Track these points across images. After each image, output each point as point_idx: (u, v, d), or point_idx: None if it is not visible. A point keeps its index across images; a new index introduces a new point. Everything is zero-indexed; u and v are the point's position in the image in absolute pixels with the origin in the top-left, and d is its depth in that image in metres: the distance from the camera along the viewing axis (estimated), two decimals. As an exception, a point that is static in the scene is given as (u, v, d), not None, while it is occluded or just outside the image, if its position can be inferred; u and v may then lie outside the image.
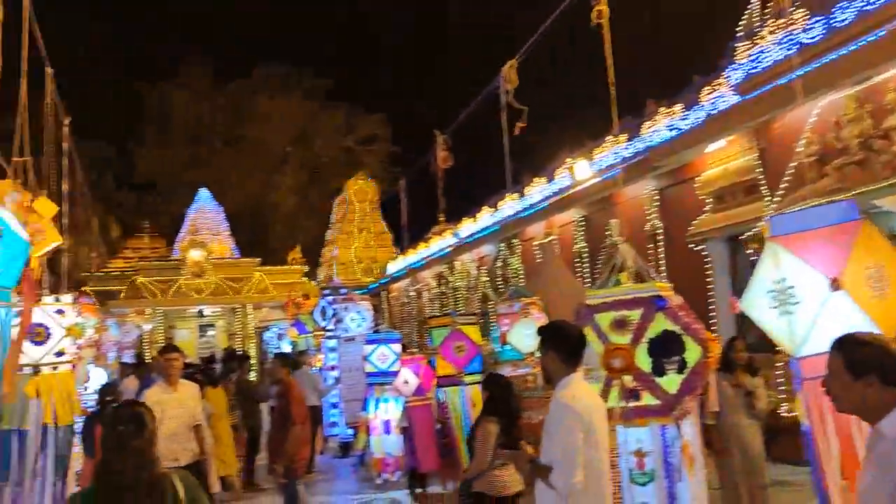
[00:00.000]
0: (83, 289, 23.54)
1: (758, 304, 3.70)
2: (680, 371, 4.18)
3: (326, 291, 15.87)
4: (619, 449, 4.36)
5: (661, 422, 4.18)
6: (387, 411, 10.21)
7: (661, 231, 14.20)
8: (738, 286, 12.79)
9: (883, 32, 8.63)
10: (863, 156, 9.31)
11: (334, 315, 14.07)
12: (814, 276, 3.47)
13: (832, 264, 3.46)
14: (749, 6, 11.37)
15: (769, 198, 11.12)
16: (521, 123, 6.73)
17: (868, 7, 8.83)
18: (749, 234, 11.19)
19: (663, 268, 13.62)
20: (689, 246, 12.75)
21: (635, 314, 4.28)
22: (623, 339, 4.25)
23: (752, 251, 11.29)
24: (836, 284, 3.44)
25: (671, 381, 4.19)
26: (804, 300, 3.51)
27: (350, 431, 13.03)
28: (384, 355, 10.30)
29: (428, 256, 28.61)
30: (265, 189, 49.47)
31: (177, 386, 7.30)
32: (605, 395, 4.29)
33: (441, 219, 28.63)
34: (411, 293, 31.30)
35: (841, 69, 9.31)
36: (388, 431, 10.23)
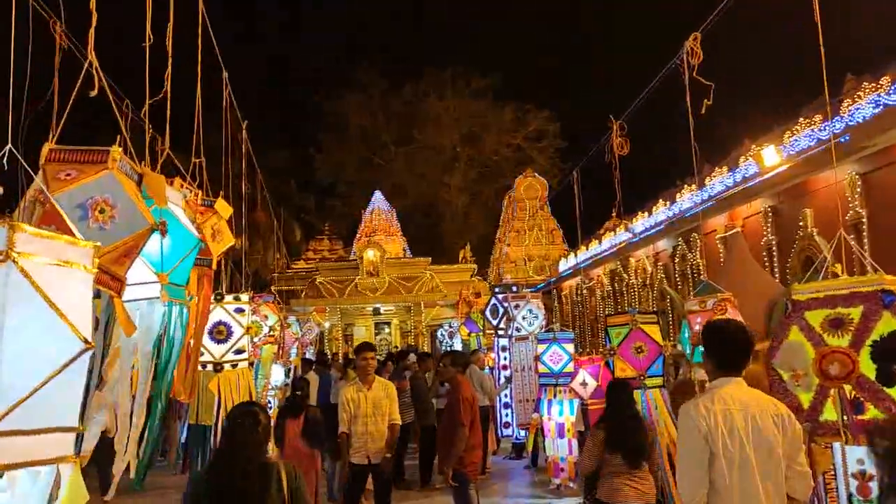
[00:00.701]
0: (271, 288, 24.86)
1: None
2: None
3: (497, 289, 15.65)
4: (834, 470, 3.74)
5: (890, 440, 3.51)
6: (561, 413, 9.80)
7: (865, 220, 12.77)
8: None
9: None
10: None
11: (506, 313, 13.81)
12: None
13: None
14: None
15: None
16: (707, 102, 6.11)
17: None
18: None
19: (868, 262, 12.24)
20: (900, 236, 11.36)
21: (855, 312, 3.63)
22: (841, 340, 3.61)
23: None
24: None
25: (904, 392, 3.51)
26: None
27: (523, 433, 12.71)
28: (557, 355, 9.89)
29: (600, 253, 27.82)
30: (436, 189, 50.35)
31: (371, 385, 7.34)
32: (818, 406, 3.69)
33: (613, 214, 27.74)
34: (583, 291, 30.58)
35: None
36: (561, 435, 9.82)
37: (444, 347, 23.48)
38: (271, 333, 8.40)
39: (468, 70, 50.00)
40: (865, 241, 12.65)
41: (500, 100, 50.17)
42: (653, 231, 22.33)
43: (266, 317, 8.19)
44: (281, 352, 9.92)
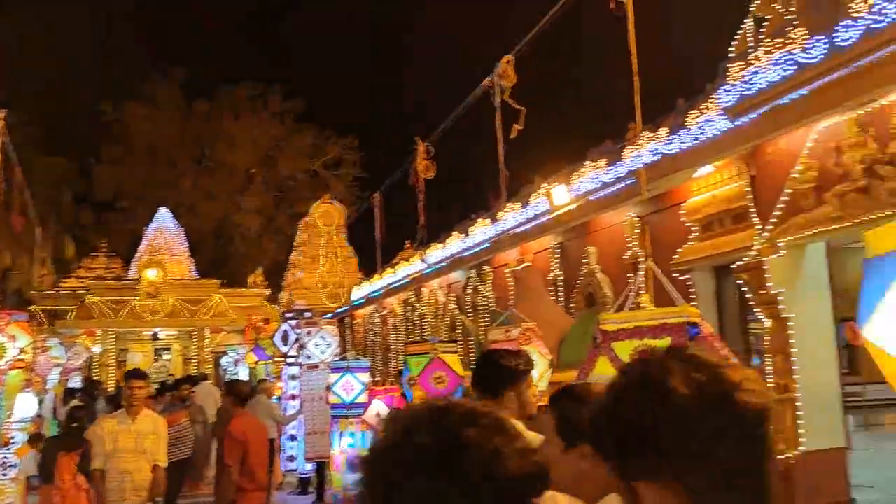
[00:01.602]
0: (30, 307, 22.30)
1: (891, 332, 2.98)
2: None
3: (289, 314, 14.99)
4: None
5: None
6: (352, 446, 9.37)
7: (643, 260, 13.61)
8: (725, 318, 12.23)
9: (887, 53, 8.17)
10: (866, 183, 8.80)
11: (297, 340, 13.19)
12: None
13: None
14: (742, 25, 10.91)
15: (759, 226, 10.60)
16: (518, 126, 6.11)
17: (875, 26, 8.37)
18: (739, 263, 10.63)
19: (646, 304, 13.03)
20: (674, 275, 12.15)
21: (663, 343, 3.57)
22: (650, 373, 3.54)
23: (741, 281, 10.74)
24: None
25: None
26: None
27: (310, 466, 12.09)
28: (350, 385, 9.48)
29: (394, 282, 27.86)
30: (229, 211, 48.39)
31: (136, 417, 6.50)
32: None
33: (407, 245, 27.92)
34: (376, 320, 30.43)
35: (843, 91, 8.83)
36: (353, 469, 9.38)
37: (227, 376, 22.21)
38: (21, 357, 7.26)
39: (266, 90, 48.81)
40: (641, 278, 13.47)
41: (302, 123, 49.42)
42: (447, 262, 22.65)
43: (14, 337, 7.05)
44: (34, 379, 8.68)
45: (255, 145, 48.36)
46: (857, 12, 8.59)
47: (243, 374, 19.83)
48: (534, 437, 3.13)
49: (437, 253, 23.59)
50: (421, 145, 9.19)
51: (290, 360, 13.37)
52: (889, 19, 8.19)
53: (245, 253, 46.88)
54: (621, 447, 1.17)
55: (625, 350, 3.71)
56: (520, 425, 3.21)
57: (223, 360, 27.64)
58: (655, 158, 12.67)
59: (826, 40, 8.99)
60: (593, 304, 14.53)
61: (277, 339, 13.84)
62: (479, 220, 20.61)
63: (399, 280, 27.38)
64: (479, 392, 3.34)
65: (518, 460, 1.12)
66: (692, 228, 12.23)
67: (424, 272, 24.56)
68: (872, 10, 8.40)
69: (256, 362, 16.85)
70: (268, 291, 35.44)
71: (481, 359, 3.41)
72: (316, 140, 49.43)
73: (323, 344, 12.63)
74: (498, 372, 3.22)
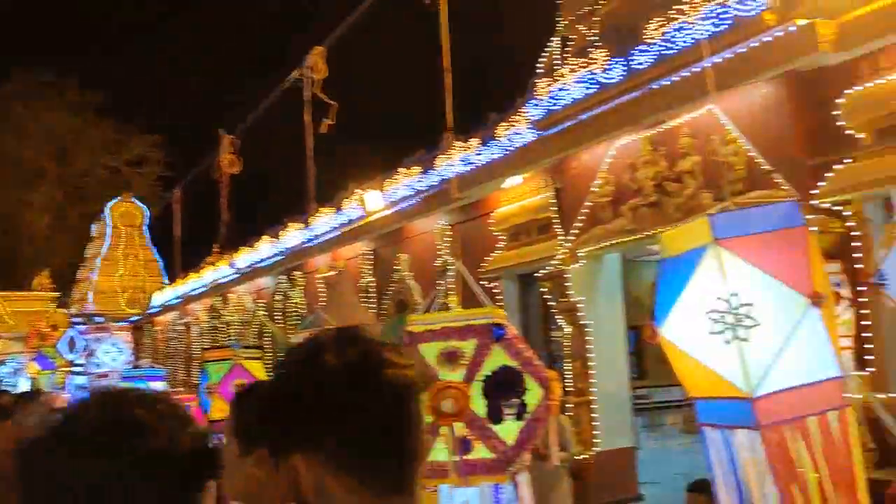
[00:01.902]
0: None
1: (689, 330, 3.04)
2: (519, 417, 3.47)
3: (77, 320, 13.77)
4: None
5: (494, 480, 3.42)
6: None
7: (452, 267, 13.82)
8: (530, 325, 12.67)
9: (678, 78, 8.81)
10: (656, 198, 9.43)
11: (85, 348, 12.12)
12: (780, 290, 2.88)
13: (798, 278, 2.91)
14: (550, 43, 11.39)
15: (562, 237, 11.08)
16: (328, 121, 5.90)
17: (666, 52, 8.99)
18: (543, 272, 11.04)
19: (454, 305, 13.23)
20: (482, 283, 12.42)
21: (469, 345, 3.52)
22: (455, 375, 3.47)
23: (545, 289, 11.16)
24: (817, 300, 2.89)
25: (509, 430, 3.46)
26: (767, 322, 2.92)
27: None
28: (143, 395, 8.78)
29: (200, 287, 26.58)
30: (15, 206, 44.06)
31: None
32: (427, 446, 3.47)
33: (215, 248, 26.73)
34: (179, 327, 28.85)
35: (638, 111, 9.43)
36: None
37: (5, 387, 20.07)
38: None
39: (63, 80, 45.03)
40: (452, 286, 13.68)
41: (102, 117, 46.02)
42: (256, 267, 21.91)
43: None
44: None
45: (50, 136, 44.52)
46: (650, 38, 9.21)
47: (24, 386, 18.00)
48: None
49: (246, 257, 22.77)
50: (225, 138, 8.71)
51: (76, 369, 12.27)
52: (679, 47, 8.84)
53: (33, 253, 42.95)
54: (276, 419, 1.21)
55: (431, 352, 3.63)
56: None
57: (0, 371, 25.03)
58: (467, 168, 12.94)
59: (624, 62, 9.56)
60: (404, 310, 14.55)
61: (62, 345, 12.66)
62: (291, 224, 20.13)
63: (205, 285, 26.16)
64: None
65: (190, 440, 1.15)
66: (500, 237, 12.59)
67: (232, 277, 23.64)
68: (664, 37, 9.04)
69: (39, 372, 15.32)
70: (56, 294, 32.58)
71: None
72: (118, 135, 46.29)
73: (114, 351, 11.69)
74: None
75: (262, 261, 21.53)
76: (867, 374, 7.33)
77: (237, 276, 23.27)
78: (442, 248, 13.92)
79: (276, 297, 21.09)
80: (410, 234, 15.33)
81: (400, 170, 15.25)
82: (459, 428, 3.43)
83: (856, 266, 7.35)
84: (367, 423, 1.14)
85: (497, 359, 3.51)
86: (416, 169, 14.69)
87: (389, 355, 1.19)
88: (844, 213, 7.70)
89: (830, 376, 2.88)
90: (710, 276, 2.87)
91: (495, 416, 3.43)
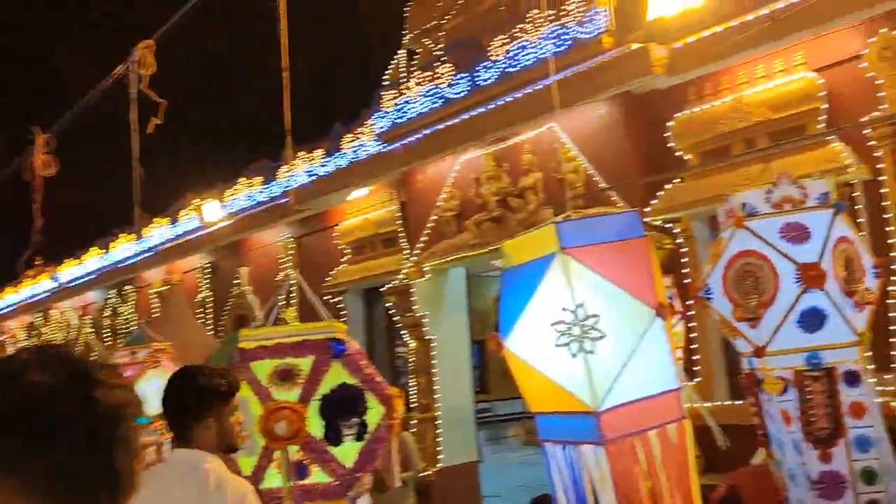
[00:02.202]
0: None
1: (535, 342, 2.90)
2: (359, 437, 3.25)
3: None
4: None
5: (332, 506, 3.18)
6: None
7: (304, 282, 13.39)
8: (375, 340, 12.47)
9: (521, 95, 8.97)
10: (500, 213, 9.53)
11: None
12: (627, 301, 2.79)
13: (643, 289, 2.83)
14: (396, 56, 11.32)
15: (408, 251, 10.99)
16: (156, 120, 5.46)
17: (510, 69, 9.14)
18: (388, 286, 10.89)
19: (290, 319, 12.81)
20: (325, 297, 12.11)
21: (305, 362, 3.27)
22: (290, 394, 3.20)
23: (390, 304, 11.00)
24: (662, 312, 2.83)
25: (348, 451, 3.24)
26: (613, 334, 2.82)
27: None
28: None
29: (17, 303, 24.43)
30: None
31: None
32: (260, 472, 3.18)
33: (38, 261, 24.67)
34: (-9, 346, 26.36)
35: (482, 127, 9.51)
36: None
37: None
38: None
39: None
40: (294, 301, 13.25)
41: None
42: (83, 281, 20.38)
43: None
44: None
45: None
46: (495, 55, 9.33)
47: None
48: (238, 483, 2.56)
49: (70, 270, 21.15)
50: (39, 136, 7.92)
51: None
52: (522, 65, 9.01)
53: None
54: None
55: (264, 370, 3.35)
56: (217, 463, 2.63)
57: None
58: (310, 179, 12.61)
59: (469, 78, 9.64)
60: (244, 326, 13.93)
61: None
62: (123, 236, 18.89)
63: (23, 300, 24.08)
64: (167, 419, 2.68)
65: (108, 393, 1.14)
66: (345, 251, 12.34)
67: (54, 291, 21.87)
68: (508, 55, 9.18)
69: None
70: None
71: (174, 376, 2.69)
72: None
73: None
74: (195, 393, 2.56)
75: (89, 274, 20.07)
76: (694, 383, 7.70)
77: (60, 290, 21.58)
78: (284, 261, 13.47)
79: (105, 313, 19.72)
80: (251, 247, 14.77)
81: (241, 179, 14.69)
82: (294, 452, 3.17)
83: (685, 281, 7.71)
84: (76, 445, 1.09)
85: (336, 376, 3.28)
86: (258, 179, 14.21)
87: (99, 374, 1.13)
88: (674, 231, 8.08)
89: (671, 388, 2.88)
90: (557, 286, 2.78)
91: (334, 437, 3.20)
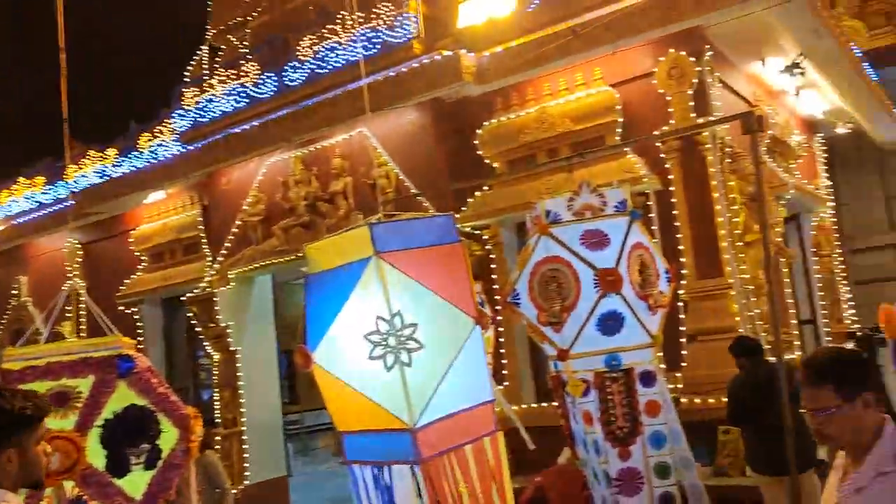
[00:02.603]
0: None
1: (346, 355, 2.65)
2: (150, 465, 2.91)
3: None
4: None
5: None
6: None
7: (84, 291, 12.29)
8: (175, 353, 11.71)
9: (330, 97, 8.76)
10: (309, 218, 9.25)
11: None
12: (447, 310, 2.60)
13: (462, 297, 2.66)
14: (199, 51, 10.71)
15: (211, 258, 10.41)
16: None
17: (319, 71, 8.90)
18: (190, 295, 10.24)
19: (84, 334, 11.75)
20: (120, 308, 11.19)
21: (85, 383, 2.88)
22: (65, 422, 2.80)
23: (192, 314, 10.35)
24: (482, 320, 2.66)
25: (137, 482, 2.88)
26: (432, 344, 2.62)
27: None
28: None
29: None
30: None
31: None
32: (27, 513, 2.76)
33: None
34: None
35: (290, 129, 9.19)
36: None
37: None
38: None
39: None
40: (83, 313, 12.16)
41: None
42: None
43: None
44: None
45: None
46: (304, 56, 9.06)
47: None
48: None
49: None
50: None
51: None
52: (331, 66, 8.80)
53: None
54: None
55: (34, 394, 2.91)
56: (14, 501, 2.14)
57: None
58: (102, 180, 11.65)
59: (276, 78, 9.29)
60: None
61: None
62: None
63: None
64: None
65: None
66: (141, 258, 11.48)
67: None
68: (317, 56, 8.95)
69: None
70: None
71: None
72: None
73: None
74: None
75: None
76: (503, 387, 7.85)
77: None
78: (71, 269, 12.32)
79: None
80: (33, 254, 13.41)
81: (20, 179, 13.32)
82: (70, 488, 2.77)
83: (493, 286, 7.85)
84: None
85: (123, 398, 2.91)
86: (41, 179, 12.96)
87: None
88: (483, 237, 8.22)
89: (486, 400, 2.81)
90: (371, 294, 2.59)
91: (119, 467, 2.83)
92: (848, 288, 11.43)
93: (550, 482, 5.41)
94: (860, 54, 9.84)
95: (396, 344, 2.57)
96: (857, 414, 2.04)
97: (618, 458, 4.56)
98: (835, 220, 11.66)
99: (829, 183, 11.56)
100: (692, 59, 7.18)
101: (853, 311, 11.22)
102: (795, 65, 8.19)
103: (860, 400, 2.05)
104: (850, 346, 9.61)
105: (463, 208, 8.17)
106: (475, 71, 7.86)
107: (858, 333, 7.58)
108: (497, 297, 7.60)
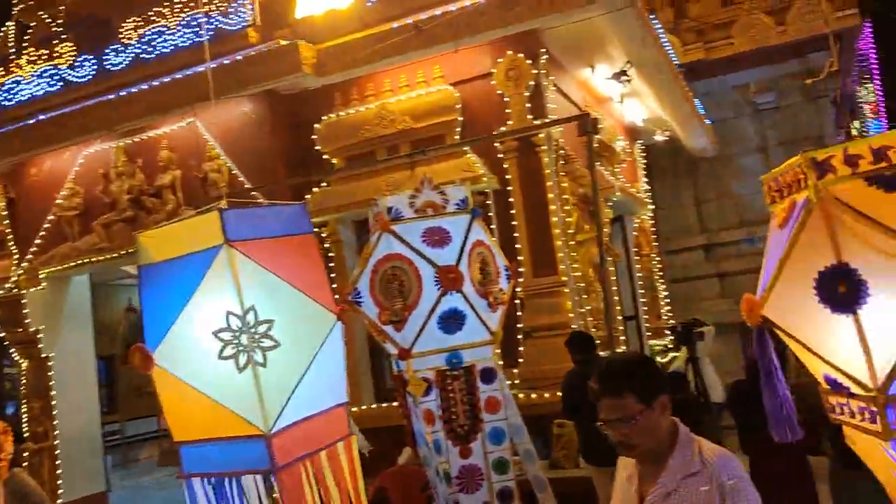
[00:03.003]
0: None
1: (190, 354, 2.33)
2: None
3: None
4: None
5: None
6: None
7: None
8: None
9: (157, 84, 8.21)
10: (133, 213, 8.63)
11: None
12: (306, 305, 2.33)
13: (320, 290, 2.41)
14: (3, 28, 9.72)
15: (18, 256, 9.47)
16: None
17: (145, 56, 8.33)
18: (-8, 297, 9.28)
19: None
20: None
21: None
22: None
23: (-6, 318, 9.37)
24: (344, 316, 2.42)
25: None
26: (290, 342, 2.33)
27: None
28: None
29: None
30: None
31: None
32: None
33: None
34: None
35: (111, 117, 8.52)
36: None
37: None
38: None
39: None
40: None
41: None
42: None
43: None
44: None
45: None
46: (127, 39, 8.45)
47: None
48: None
49: None
50: None
51: None
52: (158, 52, 8.26)
53: None
54: None
55: None
56: None
57: None
58: None
59: (95, 61, 8.60)
60: None
61: None
62: None
63: None
64: None
65: None
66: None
67: None
68: (142, 40, 8.37)
69: None
70: None
71: None
72: None
73: None
74: None
75: None
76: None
77: None
78: None
79: None
80: None
81: None
82: None
83: (332, 286, 7.63)
84: None
85: None
86: None
87: None
88: (322, 235, 7.99)
89: (341, 402, 2.65)
90: (221, 287, 2.35)
91: None
92: (665, 286, 12.21)
93: (392, 482, 5.31)
94: (680, 67, 10.51)
95: (249, 342, 2.34)
96: (657, 418, 2.04)
97: (459, 456, 4.54)
98: (653, 222, 12.41)
99: (648, 187, 12.28)
100: (529, 61, 7.34)
101: (669, 308, 12.00)
102: (623, 72, 8.59)
103: (658, 404, 2.05)
104: (669, 339, 10.25)
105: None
106: (314, 63, 7.62)
107: (678, 328, 8.04)
108: (336, 297, 7.40)
